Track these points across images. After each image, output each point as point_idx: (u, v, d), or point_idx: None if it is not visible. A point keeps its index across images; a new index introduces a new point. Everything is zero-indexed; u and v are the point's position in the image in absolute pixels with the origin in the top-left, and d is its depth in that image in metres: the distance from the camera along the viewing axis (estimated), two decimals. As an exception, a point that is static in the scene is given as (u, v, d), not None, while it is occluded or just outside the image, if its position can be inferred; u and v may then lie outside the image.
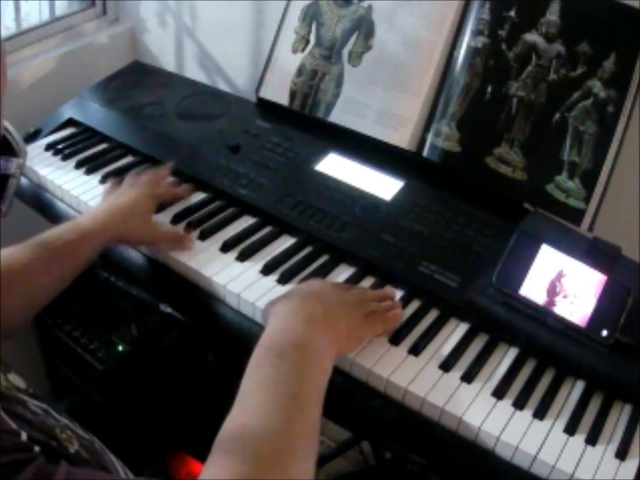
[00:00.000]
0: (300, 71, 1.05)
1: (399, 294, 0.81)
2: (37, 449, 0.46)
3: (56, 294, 0.79)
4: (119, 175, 0.99)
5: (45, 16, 1.32)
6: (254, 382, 0.58)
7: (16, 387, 0.57)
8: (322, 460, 1.30)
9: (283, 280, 0.81)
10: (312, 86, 1.04)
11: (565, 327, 0.75)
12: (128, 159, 1.04)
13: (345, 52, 1.02)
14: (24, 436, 0.46)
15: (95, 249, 0.81)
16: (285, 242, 0.88)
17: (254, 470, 0.50)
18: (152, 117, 1.09)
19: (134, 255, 0.88)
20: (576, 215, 0.87)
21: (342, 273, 0.84)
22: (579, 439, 0.66)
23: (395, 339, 0.75)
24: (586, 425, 0.68)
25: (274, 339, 0.62)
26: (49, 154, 1.05)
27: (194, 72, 1.37)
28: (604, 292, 0.75)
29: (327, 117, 1.02)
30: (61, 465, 0.45)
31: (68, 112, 1.13)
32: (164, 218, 0.90)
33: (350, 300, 0.72)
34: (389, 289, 0.81)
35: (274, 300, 0.70)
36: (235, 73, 1.33)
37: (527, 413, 0.68)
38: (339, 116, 1.01)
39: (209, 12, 1.31)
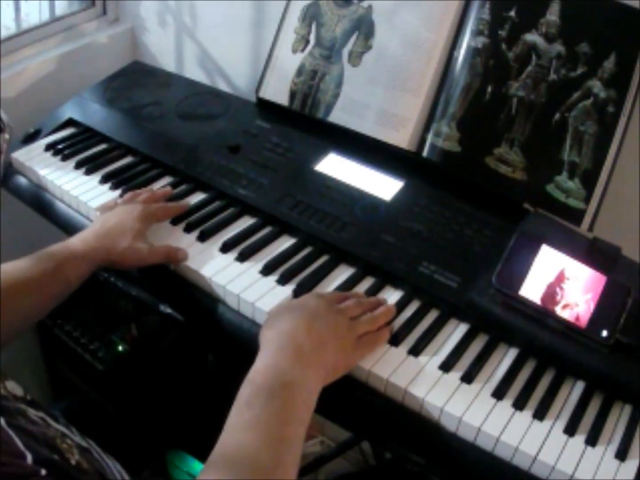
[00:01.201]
0: (300, 71, 1.05)
1: (399, 294, 0.81)
2: (43, 472, 0.46)
3: (46, 313, 0.80)
4: (119, 175, 0.99)
5: (45, 16, 1.32)
6: (244, 420, 0.59)
7: (14, 395, 0.56)
8: (322, 460, 1.30)
9: (283, 280, 0.81)
10: (312, 86, 1.04)
11: (565, 328, 0.75)
12: (128, 159, 1.04)
13: (345, 52, 1.02)
14: (29, 459, 0.46)
15: (84, 270, 0.80)
16: (285, 242, 0.88)
17: None
18: (152, 117, 1.09)
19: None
20: (576, 215, 0.87)
21: (342, 273, 0.84)
22: (579, 439, 0.66)
23: (395, 339, 0.75)
24: (586, 425, 0.68)
25: (264, 378, 0.63)
26: (49, 154, 1.05)
27: (194, 72, 1.37)
28: (604, 292, 0.75)
29: (327, 117, 1.02)
30: None
31: (68, 112, 1.13)
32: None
33: (342, 324, 0.70)
34: (387, 290, 0.81)
35: (267, 322, 0.70)
36: (235, 73, 1.33)
37: (527, 413, 0.68)
38: (339, 116, 1.01)
39: (209, 12, 1.31)
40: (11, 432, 0.46)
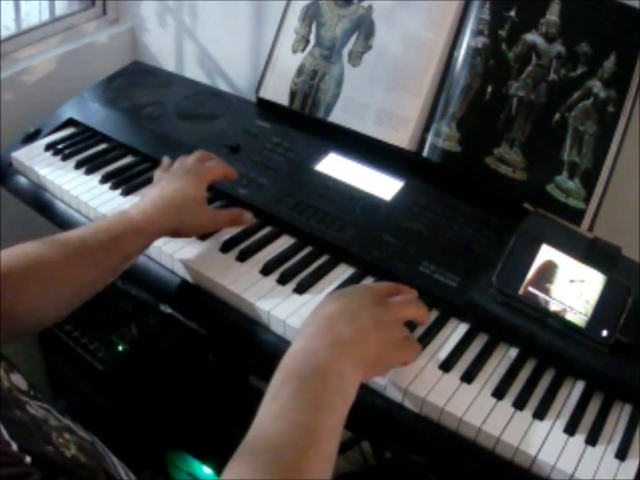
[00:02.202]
0: (300, 71, 1.05)
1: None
2: (28, 459, 0.45)
3: (103, 286, 0.76)
4: (119, 174, 0.99)
5: (45, 16, 1.32)
6: (272, 407, 0.55)
7: (17, 388, 0.56)
8: (322, 460, 1.30)
9: (283, 280, 0.81)
10: (312, 86, 1.04)
11: (565, 327, 0.75)
12: (128, 159, 1.04)
13: (345, 52, 1.02)
14: (14, 447, 0.45)
15: (144, 242, 0.78)
16: (285, 242, 0.88)
17: None
18: (152, 117, 1.09)
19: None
20: (576, 215, 0.87)
21: (342, 273, 0.84)
22: (579, 439, 0.66)
23: (395, 339, 0.74)
24: (586, 425, 0.68)
25: (296, 362, 0.59)
26: (49, 154, 1.05)
27: (194, 72, 1.37)
28: (604, 292, 0.75)
29: (327, 117, 1.02)
30: None
31: (68, 112, 1.13)
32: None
33: (387, 321, 0.65)
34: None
35: (314, 309, 0.66)
36: (235, 73, 1.33)
37: (527, 413, 0.68)
38: (339, 116, 1.01)
39: (209, 12, 1.31)
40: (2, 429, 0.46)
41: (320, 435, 0.54)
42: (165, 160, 0.91)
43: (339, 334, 0.61)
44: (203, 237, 0.87)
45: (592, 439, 0.66)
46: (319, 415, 0.55)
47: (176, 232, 0.81)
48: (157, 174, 0.89)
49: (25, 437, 0.47)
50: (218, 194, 0.95)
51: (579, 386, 0.73)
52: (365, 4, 1.01)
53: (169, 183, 0.82)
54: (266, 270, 0.82)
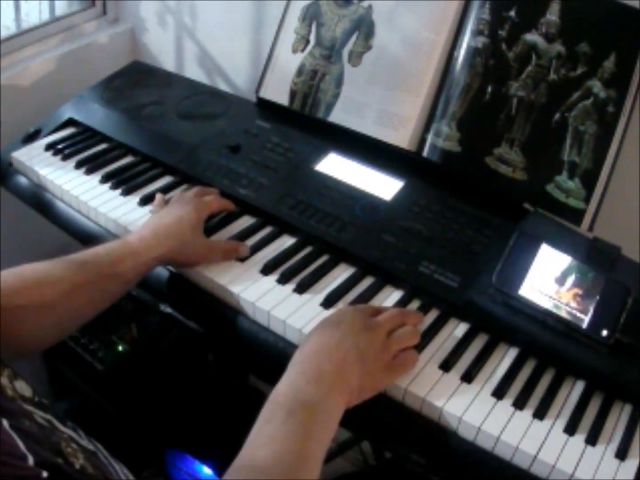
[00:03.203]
0: (300, 71, 1.05)
1: (399, 294, 0.81)
2: (45, 474, 0.45)
3: (102, 309, 0.77)
4: (119, 175, 0.99)
5: (45, 16, 1.32)
6: (262, 436, 0.59)
7: (21, 395, 0.56)
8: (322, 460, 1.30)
9: (283, 280, 0.81)
10: (312, 86, 1.04)
11: (565, 327, 0.75)
12: (128, 159, 1.04)
13: (345, 52, 1.02)
14: (30, 460, 0.45)
15: (143, 269, 0.78)
16: (285, 242, 0.88)
17: None
18: (152, 117, 1.09)
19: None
20: (576, 215, 0.87)
21: (342, 273, 0.84)
22: (579, 439, 0.66)
23: (395, 339, 0.75)
24: (586, 425, 0.68)
25: (284, 397, 0.62)
26: (49, 154, 1.05)
27: (194, 72, 1.37)
28: (604, 292, 0.75)
29: (327, 117, 1.02)
30: None
31: (68, 112, 1.13)
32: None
33: (373, 347, 0.68)
34: (387, 290, 0.81)
35: (305, 340, 0.69)
36: (235, 73, 1.33)
37: (527, 413, 0.68)
38: (339, 116, 1.01)
39: (209, 12, 1.31)
40: (13, 434, 0.46)
41: (307, 462, 0.58)
42: (159, 196, 0.92)
43: (322, 372, 0.64)
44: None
45: (592, 439, 0.66)
46: (307, 445, 0.59)
47: (174, 261, 0.83)
48: (154, 208, 0.90)
49: (37, 450, 0.47)
50: (218, 194, 0.95)
51: (579, 386, 0.73)
52: (365, 4, 1.01)
53: (169, 213, 0.84)
54: (266, 270, 0.82)
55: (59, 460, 0.49)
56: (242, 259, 0.84)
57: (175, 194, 0.93)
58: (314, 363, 0.65)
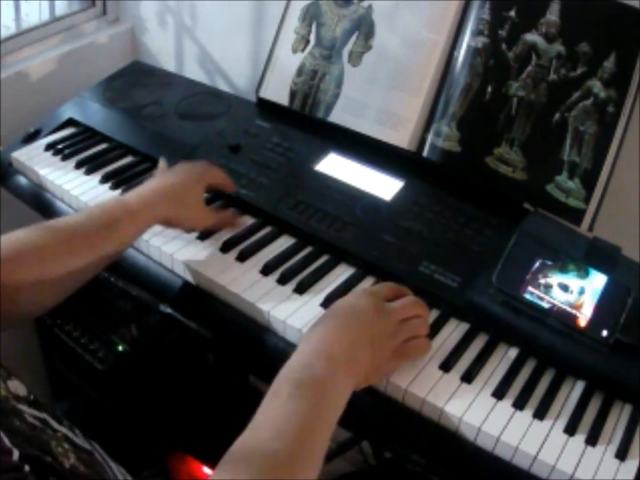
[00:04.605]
0: (300, 71, 1.05)
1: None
2: (27, 468, 0.45)
3: (98, 271, 0.77)
4: (119, 175, 0.99)
5: (45, 16, 1.32)
6: (269, 410, 0.58)
7: (15, 395, 0.56)
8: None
9: (283, 280, 0.81)
10: (312, 86, 1.04)
11: (565, 328, 0.75)
12: (128, 159, 1.04)
13: (345, 52, 1.02)
14: (15, 455, 0.45)
15: (139, 228, 0.78)
16: (285, 242, 0.88)
17: None
18: (152, 117, 1.09)
19: (135, 256, 0.88)
20: (576, 215, 0.87)
21: (342, 273, 0.84)
22: (579, 439, 0.66)
23: (395, 339, 0.75)
24: (586, 425, 0.68)
25: (292, 374, 0.62)
26: (49, 154, 1.05)
27: (194, 72, 1.37)
28: (604, 292, 0.75)
29: (327, 117, 1.02)
30: None
31: (68, 112, 1.13)
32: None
33: (386, 330, 0.68)
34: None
35: (317, 321, 0.69)
36: (235, 73, 1.33)
37: (527, 413, 0.68)
38: (339, 116, 1.01)
39: (209, 12, 1.31)
40: (0, 431, 0.46)
41: (311, 440, 0.57)
42: (162, 161, 0.92)
43: (332, 352, 0.64)
44: (203, 237, 0.87)
45: (592, 439, 0.66)
46: (313, 422, 0.58)
47: (169, 222, 0.83)
48: (159, 167, 0.90)
49: (23, 446, 0.47)
50: (218, 194, 0.95)
51: (579, 386, 0.73)
52: (365, 4, 1.01)
53: (170, 175, 0.84)
54: (266, 270, 0.82)
55: (47, 458, 0.49)
56: (242, 259, 0.84)
57: None
58: (326, 342, 0.65)
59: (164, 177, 0.84)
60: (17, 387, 0.58)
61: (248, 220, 0.92)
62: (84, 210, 0.77)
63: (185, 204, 0.82)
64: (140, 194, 0.79)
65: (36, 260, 0.69)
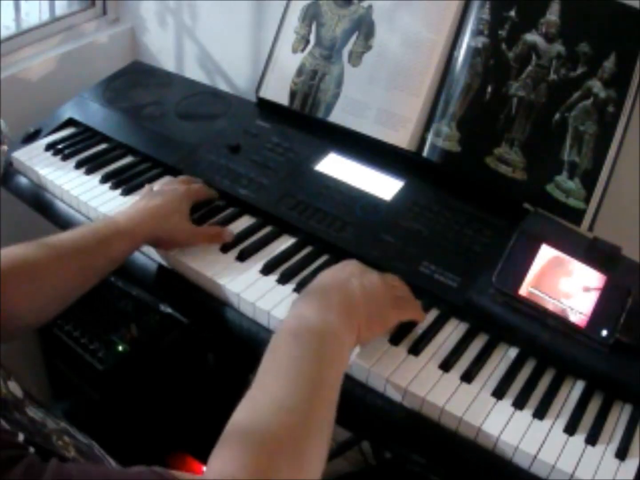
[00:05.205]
0: (300, 71, 1.05)
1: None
2: (32, 449, 0.46)
3: (89, 288, 0.78)
4: (119, 175, 0.99)
5: (45, 16, 1.32)
6: (272, 364, 0.58)
7: (14, 395, 0.56)
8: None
9: (283, 280, 0.81)
10: (312, 86, 1.04)
11: (565, 327, 0.75)
12: (128, 159, 1.04)
13: (345, 52, 1.02)
14: (20, 437, 0.46)
15: (129, 247, 0.80)
16: (285, 242, 0.88)
17: (269, 450, 0.50)
18: (152, 117, 1.09)
19: (135, 256, 0.88)
20: (576, 215, 0.87)
21: (342, 273, 0.84)
22: (579, 438, 0.66)
23: (395, 338, 0.75)
24: (586, 425, 0.68)
25: (290, 325, 0.62)
26: (49, 154, 1.05)
27: (194, 72, 1.37)
28: (604, 292, 0.75)
29: (327, 117, 1.02)
30: (51, 461, 0.45)
31: (68, 112, 1.13)
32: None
33: (377, 284, 0.70)
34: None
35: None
36: (235, 73, 1.33)
37: (527, 413, 0.68)
38: (339, 116, 1.01)
39: (209, 12, 1.31)
40: (3, 421, 0.46)
41: (320, 384, 0.57)
42: (147, 186, 0.94)
43: (328, 300, 0.65)
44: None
45: (592, 439, 0.66)
46: (318, 368, 0.58)
47: (158, 242, 0.84)
48: (143, 192, 0.91)
49: (27, 435, 0.47)
50: (219, 194, 0.95)
51: (579, 386, 0.73)
52: (365, 4, 1.01)
53: (157, 196, 0.86)
54: (266, 270, 0.82)
55: (49, 449, 0.50)
56: (242, 259, 0.84)
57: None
58: (322, 295, 0.66)
59: (150, 199, 0.85)
60: (15, 389, 0.58)
61: (248, 220, 0.92)
62: (75, 229, 0.78)
63: (172, 223, 0.83)
64: (129, 214, 0.81)
65: (29, 277, 0.70)
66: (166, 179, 0.94)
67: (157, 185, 0.93)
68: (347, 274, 0.70)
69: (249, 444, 0.50)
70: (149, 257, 0.88)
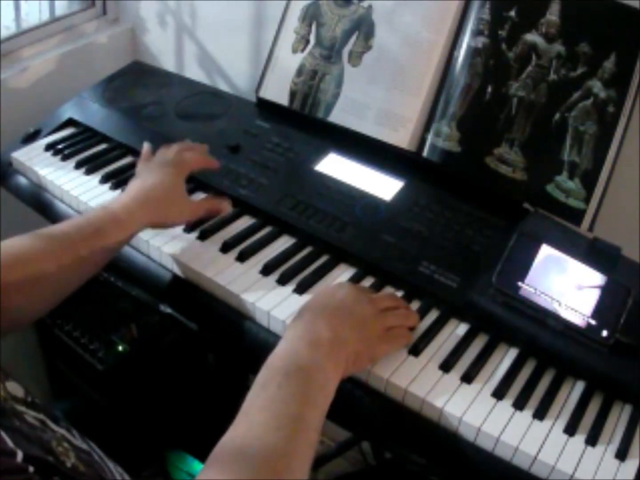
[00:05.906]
0: (300, 71, 1.05)
1: (399, 294, 0.81)
2: (31, 469, 0.45)
3: (87, 278, 0.78)
4: (119, 175, 0.99)
5: (45, 16, 1.32)
6: (259, 400, 0.58)
7: (13, 396, 0.56)
8: (322, 460, 1.30)
9: (283, 280, 0.81)
10: (312, 86, 1.04)
11: (565, 327, 0.75)
12: (128, 159, 1.04)
13: (345, 52, 1.02)
14: (19, 456, 0.45)
15: (126, 236, 0.79)
16: (285, 242, 0.88)
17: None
18: (152, 117, 1.09)
19: (135, 256, 0.88)
20: (576, 215, 0.87)
21: (342, 273, 0.84)
22: (579, 439, 0.66)
23: (395, 339, 0.75)
24: (586, 425, 0.68)
25: (280, 361, 0.62)
26: (48, 154, 1.05)
27: (194, 72, 1.37)
28: (604, 292, 0.75)
29: (327, 117, 1.02)
30: None
31: (68, 112, 1.13)
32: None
33: (368, 315, 0.70)
34: (387, 291, 0.81)
35: (298, 313, 0.70)
36: (235, 73, 1.33)
37: (527, 413, 0.68)
38: (339, 116, 1.01)
39: (209, 12, 1.31)
40: (2, 432, 0.46)
41: (303, 424, 0.57)
42: (146, 147, 0.92)
43: (318, 337, 0.65)
44: (203, 237, 0.87)
45: (592, 439, 0.66)
46: (304, 408, 0.58)
47: (157, 224, 0.83)
48: (139, 165, 0.90)
49: (26, 446, 0.47)
50: (218, 194, 0.95)
51: (579, 386, 0.73)
52: (365, 4, 1.01)
53: (149, 176, 0.84)
54: (266, 271, 0.82)
55: (49, 458, 0.50)
56: (242, 259, 0.84)
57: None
58: (311, 329, 0.66)
59: (143, 179, 0.84)
60: (14, 388, 0.58)
61: (248, 220, 0.92)
62: (71, 219, 0.78)
63: (168, 203, 0.82)
64: (124, 201, 0.80)
65: (27, 269, 0.70)
66: (161, 149, 0.91)
67: (156, 155, 0.90)
68: (338, 302, 0.70)
69: (230, 473, 0.51)
70: (149, 257, 0.88)
